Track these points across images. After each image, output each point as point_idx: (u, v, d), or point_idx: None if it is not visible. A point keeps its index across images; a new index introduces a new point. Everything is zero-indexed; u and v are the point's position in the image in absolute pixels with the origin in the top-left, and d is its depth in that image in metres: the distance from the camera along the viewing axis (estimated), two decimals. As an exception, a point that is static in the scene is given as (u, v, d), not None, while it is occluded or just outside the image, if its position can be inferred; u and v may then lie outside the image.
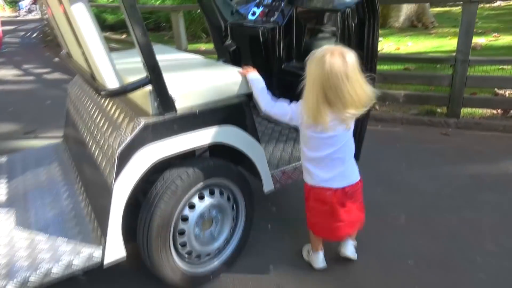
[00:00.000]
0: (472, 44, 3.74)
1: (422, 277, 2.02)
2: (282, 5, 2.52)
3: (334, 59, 1.59)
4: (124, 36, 9.58)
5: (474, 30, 3.71)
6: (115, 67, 1.66)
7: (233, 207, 2.10)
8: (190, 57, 2.49)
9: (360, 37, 2.17)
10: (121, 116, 1.82)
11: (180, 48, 5.13)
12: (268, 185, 2.12)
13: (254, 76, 1.95)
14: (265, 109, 1.89)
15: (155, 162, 1.71)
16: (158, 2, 9.78)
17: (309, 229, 2.03)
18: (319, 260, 2.10)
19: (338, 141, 1.75)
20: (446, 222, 2.45)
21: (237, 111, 1.92)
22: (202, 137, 1.82)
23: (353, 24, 2.14)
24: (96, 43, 1.58)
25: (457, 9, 10.60)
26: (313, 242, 2.10)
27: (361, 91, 1.63)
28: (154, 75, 1.63)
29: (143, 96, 1.72)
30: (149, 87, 1.67)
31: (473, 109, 4.05)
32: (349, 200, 1.84)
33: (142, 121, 1.67)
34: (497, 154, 3.30)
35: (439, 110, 4.15)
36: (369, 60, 2.19)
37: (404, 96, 4.18)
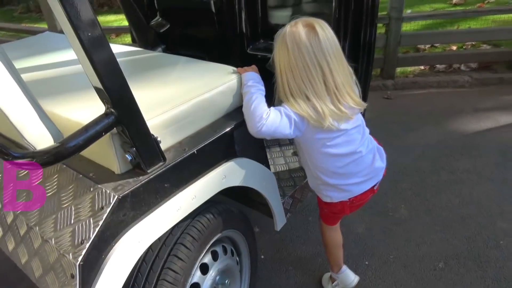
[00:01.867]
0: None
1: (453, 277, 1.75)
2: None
3: (305, 30, 1.15)
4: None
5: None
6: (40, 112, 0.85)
7: (236, 262, 1.49)
8: (132, 50, 1.65)
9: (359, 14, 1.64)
10: (70, 192, 1.00)
11: (54, 26, 3.88)
12: (281, 221, 1.54)
13: (251, 77, 1.29)
14: (258, 129, 1.18)
15: (143, 254, 0.99)
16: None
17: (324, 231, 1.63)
18: (349, 275, 1.71)
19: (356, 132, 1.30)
20: (447, 203, 2.22)
21: (242, 132, 1.26)
22: (208, 187, 1.13)
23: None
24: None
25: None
26: (334, 260, 1.69)
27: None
28: (124, 108, 0.88)
29: (103, 147, 0.95)
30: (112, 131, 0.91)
31: (404, 68, 3.94)
32: None
33: (113, 194, 0.91)
34: (445, 112, 3.22)
35: (373, 72, 3.94)
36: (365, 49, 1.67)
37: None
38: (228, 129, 1.20)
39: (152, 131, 0.99)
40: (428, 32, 3.96)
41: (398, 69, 3.87)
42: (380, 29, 3.82)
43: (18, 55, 1.64)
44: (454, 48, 4.05)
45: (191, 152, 1.06)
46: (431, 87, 3.72)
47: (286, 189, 1.65)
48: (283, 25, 1.21)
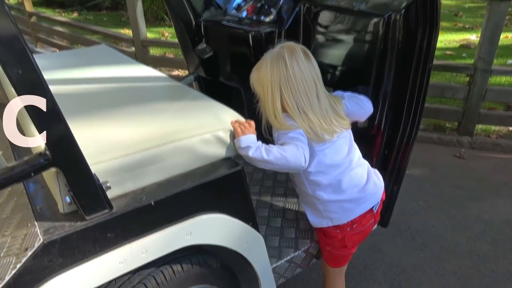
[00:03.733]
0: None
1: None
2: (282, -1, 1.72)
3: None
4: (75, 14, 8.34)
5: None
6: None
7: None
8: (139, 74, 1.63)
9: (405, 58, 1.42)
10: (15, 221, 0.97)
11: (137, 34, 4.15)
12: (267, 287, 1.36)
13: (248, 141, 1.16)
14: (304, 164, 1.22)
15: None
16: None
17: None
18: None
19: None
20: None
21: (224, 186, 1.13)
22: (166, 243, 1.02)
23: (398, 37, 1.38)
24: None
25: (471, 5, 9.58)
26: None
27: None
28: (61, 150, 0.81)
29: (51, 182, 0.90)
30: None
31: (487, 126, 3.44)
32: None
33: (40, 238, 0.85)
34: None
35: (448, 125, 3.52)
36: (417, 93, 1.45)
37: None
38: (203, 181, 1.08)
39: (106, 175, 0.91)
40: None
41: (479, 126, 3.40)
42: (463, 78, 3.41)
43: (55, 64, 1.70)
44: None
45: (147, 203, 0.96)
46: (516, 153, 3.18)
47: (285, 246, 1.47)
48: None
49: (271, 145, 1.20)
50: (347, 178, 1.32)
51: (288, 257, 1.42)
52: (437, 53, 5.85)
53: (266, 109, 1.27)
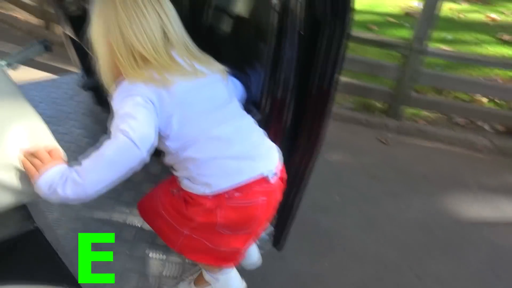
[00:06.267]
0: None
1: None
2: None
3: None
4: None
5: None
6: None
7: None
8: None
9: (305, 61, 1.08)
10: None
11: None
12: None
13: (51, 178, 0.80)
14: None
15: None
16: None
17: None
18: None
19: None
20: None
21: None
22: None
23: (295, 25, 1.02)
24: None
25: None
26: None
27: None
28: None
29: None
30: None
31: (418, 110, 3.29)
32: None
33: None
34: (444, 181, 2.61)
35: (378, 105, 3.32)
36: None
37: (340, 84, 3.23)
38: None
39: None
40: (455, 76, 3.26)
41: (409, 110, 3.24)
42: (396, 58, 3.17)
43: None
44: (484, 101, 3.35)
45: None
46: (440, 141, 3.07)
47: None
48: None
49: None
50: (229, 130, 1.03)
51: None
52: (377, 18, 5.53)
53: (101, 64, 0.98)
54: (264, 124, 1.12)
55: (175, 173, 1.03)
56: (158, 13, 0.94)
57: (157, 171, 1.63)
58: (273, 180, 1.03)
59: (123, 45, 0.92)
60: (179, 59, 0.96)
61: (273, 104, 1.14)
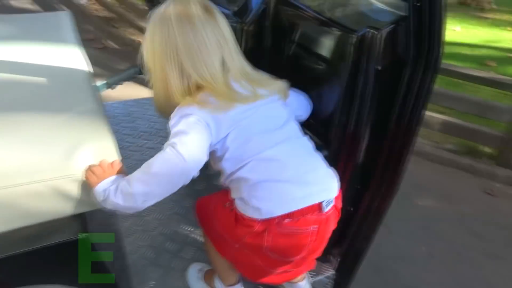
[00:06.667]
0: None
1: None
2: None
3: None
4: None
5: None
6: None
7: None
8: (53, 62, 1.22)
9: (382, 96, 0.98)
10: None
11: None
12: None
13: (104, 186, 0.84)
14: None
15: None
16: None
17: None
18: None
19: None
20: None
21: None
22: None
23: (374, 64, 0.94)
24: None
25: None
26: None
27: None
28: None
29: None
30: None
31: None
32: None
33: None
34: None
35: (487, 150, 2.93)
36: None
37: (442, 123, 2.94)
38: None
39: None
40: None
41: (525, 159, 2.79)
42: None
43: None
44: None
45: None
46: None
47: None
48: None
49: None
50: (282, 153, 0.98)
51: None
52: (497, 53, 4.97)
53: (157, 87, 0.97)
54: (332, 159, 1.05)
55: (230, 194, 1.02)
56: (219, 41, 0.91)
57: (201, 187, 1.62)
58: (327, 208, 0.96)
59: (180, 76, 0.91)
60: (236, 85, 0.95)
61: (344, 138, 1.07)
